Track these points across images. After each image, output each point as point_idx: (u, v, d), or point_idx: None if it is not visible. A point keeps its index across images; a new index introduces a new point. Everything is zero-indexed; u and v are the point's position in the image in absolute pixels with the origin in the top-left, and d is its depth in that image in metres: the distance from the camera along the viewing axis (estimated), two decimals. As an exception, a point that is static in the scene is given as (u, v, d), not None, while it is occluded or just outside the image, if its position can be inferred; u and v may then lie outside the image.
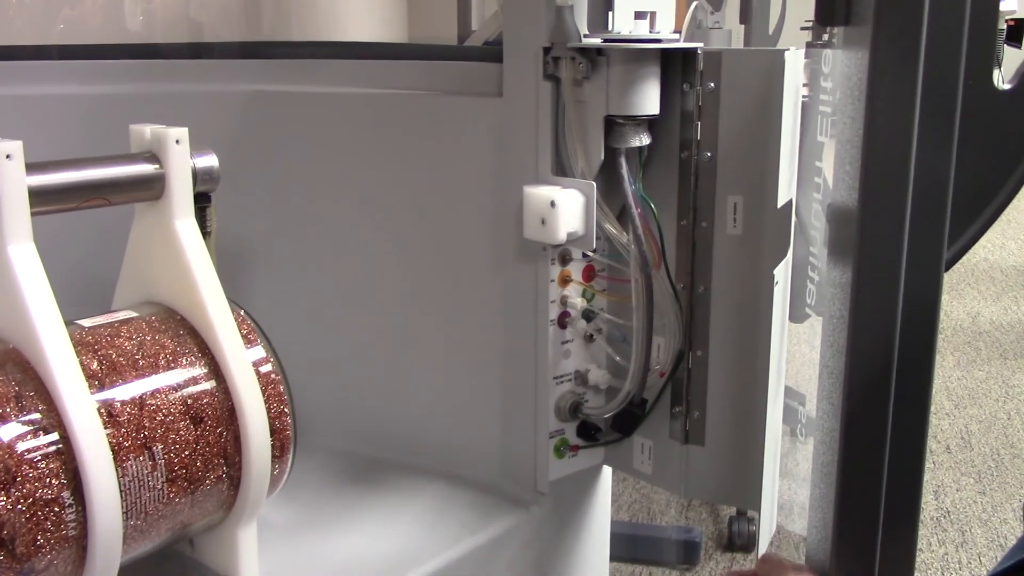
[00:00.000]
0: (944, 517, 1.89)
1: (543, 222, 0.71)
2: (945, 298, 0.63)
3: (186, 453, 0.58)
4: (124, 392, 0.57)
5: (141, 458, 0.56)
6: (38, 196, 0.57)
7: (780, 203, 0.70)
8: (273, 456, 0.63)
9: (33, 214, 0.56)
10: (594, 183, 0.71)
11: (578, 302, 0.77)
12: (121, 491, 0.55)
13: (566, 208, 0.71)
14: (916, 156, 0.49)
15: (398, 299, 0.85)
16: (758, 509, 0.74)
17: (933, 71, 0.48)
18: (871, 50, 0.49)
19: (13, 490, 0.51)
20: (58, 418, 0.53)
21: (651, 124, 0.73)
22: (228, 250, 0.70)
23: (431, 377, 0.85)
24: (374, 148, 0.83)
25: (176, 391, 0.59)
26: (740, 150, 0.70)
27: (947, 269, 0.52)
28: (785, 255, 0.72)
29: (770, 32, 1.81)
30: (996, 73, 0.50)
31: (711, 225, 0.73)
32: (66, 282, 0.59)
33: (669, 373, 0.76)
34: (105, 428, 0.55)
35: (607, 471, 0.87)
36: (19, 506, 0.51)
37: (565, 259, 0.77)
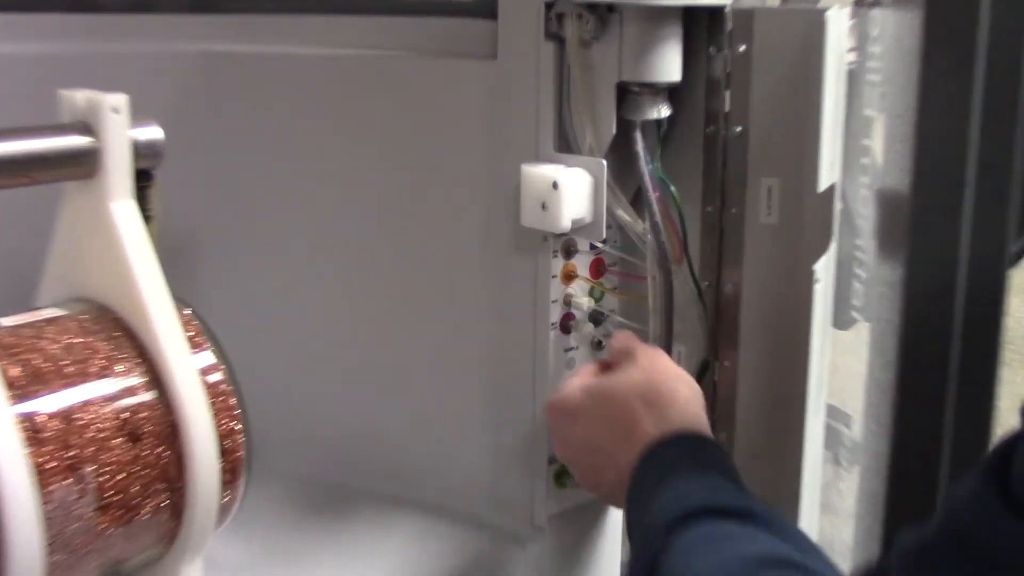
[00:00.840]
0: (1020, 564, 1.88)
1: (544, 207, 0.72)
2: (1014, 302, 0.64)
3: (121, 476, 0.59)
4: (49, 404, 0.58)
5: (68, 481, 0.57)
6: (-51, 173, 0.57)
7: (821, 187, 0.71)
8: (222, 481, 0.63)
9: (-57, 194, 0.57)
10: (604, 162, 0.72)
11: (584, 302, 0.78)
12: (43, 520, 0.55)
13: (571, 190, 0.71)
14: (977, 133, 0.50)
15: (372, 298, 0.86)
16: (794, 548, 0.75)
17: (996, 34, 0.49)
18: (925, 9, 0.50)
19: (-82, 517, 0.51)
20: (-29, 433, 0.54)
21: (671, 93, 0.73)
22: (173, 238, 0.70)
23: (409, 390, 0.86)
24: (345, 120, 0.84)
25: (110, 403, 0.60)
26: (775, 125, 0.71)
27: (1013, 265, 0.53)
28: (827, 248, 0.73)
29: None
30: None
31: (741, 212, 0.73)
32: (-19, 274, 0.60)
33: (690, 387, 0.77)
34: (26, 446, 0.55)
35: (617, 503, 0.88)
36: (-75, 535, 0.51)
37: (569, 251, 0.77)
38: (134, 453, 0.60)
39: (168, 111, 0.67)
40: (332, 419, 0.90)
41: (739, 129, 0.72)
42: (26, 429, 0.56)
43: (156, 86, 0.82)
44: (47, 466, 0.56)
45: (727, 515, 0.55)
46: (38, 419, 0.57)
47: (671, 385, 0.67)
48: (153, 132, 0.65)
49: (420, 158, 0.82)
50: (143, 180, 0.65)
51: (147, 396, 0.61)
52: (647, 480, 0.62)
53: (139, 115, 0.64)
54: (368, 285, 0.86)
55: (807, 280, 0.72)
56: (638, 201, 0.76)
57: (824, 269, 0.73)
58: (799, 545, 0.54)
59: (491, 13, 0.76)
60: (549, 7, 0.73)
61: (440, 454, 0.86)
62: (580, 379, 0.71)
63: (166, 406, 0.61)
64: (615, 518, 0.89)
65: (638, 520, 0.60)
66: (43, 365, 0.59)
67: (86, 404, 0.59)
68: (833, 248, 0.75)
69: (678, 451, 0.62)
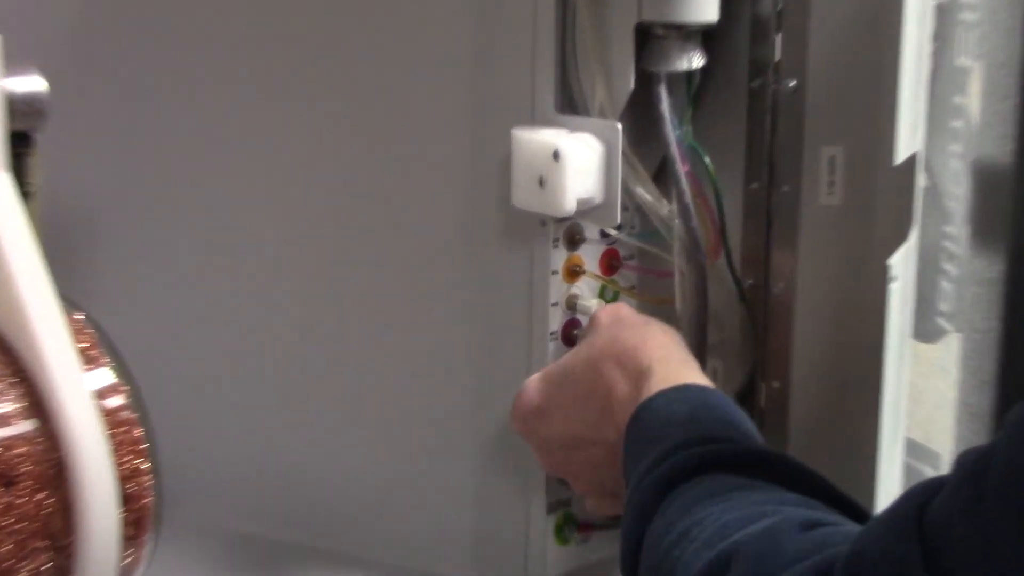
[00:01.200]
0: None
1: (541, 183, 0.72)
2: None
3: (-10, 530, 0.58)
4: None
5: (-79, 537, 0.56)
6: None
7: (899, 159, 0.71)
8: (124, 536, 0.63)
9: None
10: (619, 125, 0.72)
11: (592, 305, 0.77)
12: None
13: (576, 162, 0.71)
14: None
15: (320, 300, 0.86)
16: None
17: None
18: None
19: None
20: None
21: (705, 37, 0.73)
22: (60, 220, 0.70)
23: (369, 419, 0.86)
24: (288, 68, 0.83)
25: (-24, 435, 0.59)
26: (840, 78, 0.71)
27: None
28: (906, 237, 0.73)
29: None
30: None
31: (796, 190, 0.73)
32: None
33: (730, 415, 0.77)
34: None
35: (635, 564, 0.88)
36: None
37: (574, 240, 0.77)
38: (6, 501, 0.59)
39: (54, 56, 0.67)
40: (267, 457, 0.89)
41: (793, 83, 0.72)
42: None
43: (37, 22, 0.81)
44: None
45: (731, 467, 0.57)
46: None
47: (639, 332, 0.70)
48: (33, 83, 0.65)
49: (383, 119, 0.81)
50: (21, 145, 0.65)
51: (24, 427, 0.61)
52: (636, 453, 0.63)
53: (14, 61, 0.64)
54: (315, 284, 0.86)
55: (880, 278, 0.72)
56: (663, 176, 0.75)
57: (902, 264, 0.73)
58: (818, 485, 0.56)
59: (475, -68, 0.76)
60: (549, -76, 0.73)
61: (409, 501, 0.85)
62: (539, 373, 0.75)
63: (49, 439, 0.61)
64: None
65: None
66: None
67: (-56, 437, 0.58)
68: (914, 237, 0.75)
69: (666, 409, 0.64)
